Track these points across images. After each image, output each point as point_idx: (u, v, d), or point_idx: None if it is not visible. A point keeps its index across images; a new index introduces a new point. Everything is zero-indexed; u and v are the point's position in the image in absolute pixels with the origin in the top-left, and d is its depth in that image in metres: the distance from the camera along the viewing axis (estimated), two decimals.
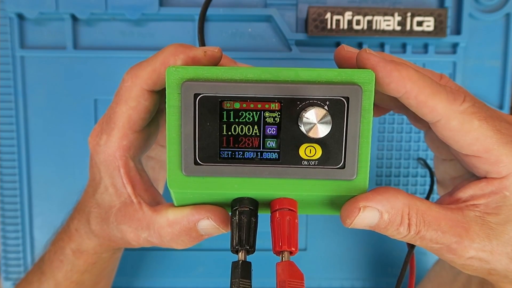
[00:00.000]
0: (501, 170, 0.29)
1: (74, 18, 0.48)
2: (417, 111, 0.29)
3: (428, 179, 0.50)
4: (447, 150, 0.34)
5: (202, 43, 0.36)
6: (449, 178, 0.37)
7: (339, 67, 0.32)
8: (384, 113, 0.37)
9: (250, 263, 0.29)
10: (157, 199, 0.35)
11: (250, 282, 0.28)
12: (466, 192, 0.31)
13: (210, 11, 0.47)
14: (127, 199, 0.33)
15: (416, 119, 0.35)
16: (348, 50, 0.31)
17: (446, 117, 0.28)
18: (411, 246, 0.35)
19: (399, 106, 0.33)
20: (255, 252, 0.30)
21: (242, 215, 0.30)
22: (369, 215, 0.29)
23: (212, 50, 0.31)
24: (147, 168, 0.37)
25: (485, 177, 0.30)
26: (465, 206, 0.30)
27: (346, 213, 0.30)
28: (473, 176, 0.32)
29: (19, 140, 0.49)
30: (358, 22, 0.45)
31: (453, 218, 0.30)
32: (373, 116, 0.28)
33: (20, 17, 0.48)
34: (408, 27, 0.45)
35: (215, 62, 0.31)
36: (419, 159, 0.49)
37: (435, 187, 0.42)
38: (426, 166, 0.47)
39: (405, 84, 0.28)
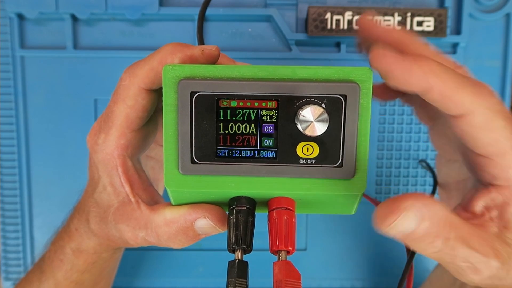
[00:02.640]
0: (510, 176, 0.27)
1: (74, 18, 0.48)
2: (440, 105, 0.27)
3: (428, 179, 0.49)
4: (453, 149, 0.33)
5: (201, 42, 0.36)
6: (453, 182, 0.36)
7: (361, 35, 0.32)
8: (392, 99, 0.34)
9: (246, 262, 0.29)
10: (156, 199, 0.35)
11: (247, 282, 0.28)
12: (478, 204, 0.29)
13: (210, 11, 0.47)
14: (125, 198, 0.33)
15: (424, 113, 0.33)
16: (369, 19, 0.30)
17: (471, 112, 0.26)
18: (411, 254, 0.33)
19: (407, 97, 0.32)
20: (252, 251, 0.30)
21: (239, 214, 0.30)
22: (409, 219, 0.26)
23: (209, 49, 0.31)
24: (146, 168, 0.37)
25: (491, 184, 0.28)
26: (485, 222, 0.28)
27: (385, 212, 0.26)
28: (477, 182, 0.30)
29: (19, 140, 0.49)
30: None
31: (481, 236, 0.27)
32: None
33: (20, 17, 0.48)
34: (408, 27, 0.45)
35: (213, 60, 0.31)
36: (421, 161, 0.49)
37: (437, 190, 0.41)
38: (429, 168, 0.46)
39: (428, 78, 0.26)
